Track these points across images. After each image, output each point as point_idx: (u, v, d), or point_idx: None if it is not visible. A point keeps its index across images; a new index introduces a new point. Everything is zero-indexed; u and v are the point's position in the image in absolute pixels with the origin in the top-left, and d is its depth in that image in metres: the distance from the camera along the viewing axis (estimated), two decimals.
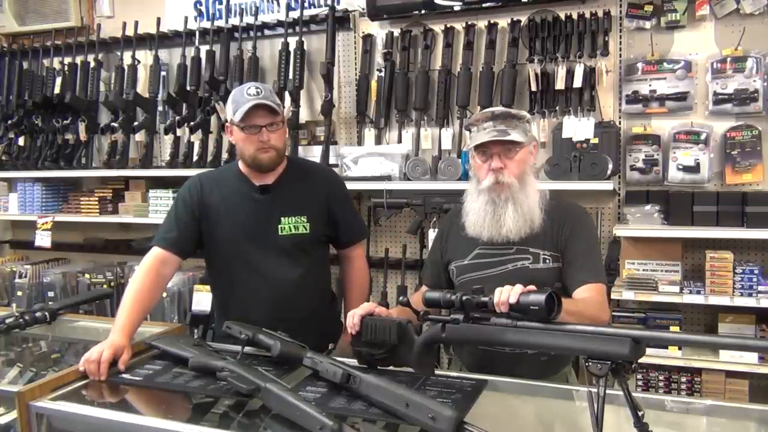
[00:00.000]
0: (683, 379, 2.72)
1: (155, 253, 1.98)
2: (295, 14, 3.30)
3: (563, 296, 1.34)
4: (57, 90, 3.77)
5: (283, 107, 3.19)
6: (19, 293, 3.77)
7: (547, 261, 1.73)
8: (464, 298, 1.35)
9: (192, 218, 2.03)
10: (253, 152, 1.97)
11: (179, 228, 2.01)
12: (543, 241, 1.74)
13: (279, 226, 2.00)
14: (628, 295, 2.66)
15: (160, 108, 3.68)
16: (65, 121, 3.78)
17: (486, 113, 1.76)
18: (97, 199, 3.73)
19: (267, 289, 2.01)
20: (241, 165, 2.07)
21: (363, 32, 3.31)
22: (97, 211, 3.72)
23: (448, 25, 3.10)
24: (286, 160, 2.09)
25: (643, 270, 2.75)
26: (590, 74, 2.84)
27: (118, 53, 3.69)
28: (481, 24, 3.05)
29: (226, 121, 2.02)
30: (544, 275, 1.70)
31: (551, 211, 1.77)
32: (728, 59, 2.72)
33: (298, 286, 2.02)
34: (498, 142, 1.70)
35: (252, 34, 3.41)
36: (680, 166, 2.79)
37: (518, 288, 1.33)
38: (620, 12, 2.88)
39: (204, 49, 3.48)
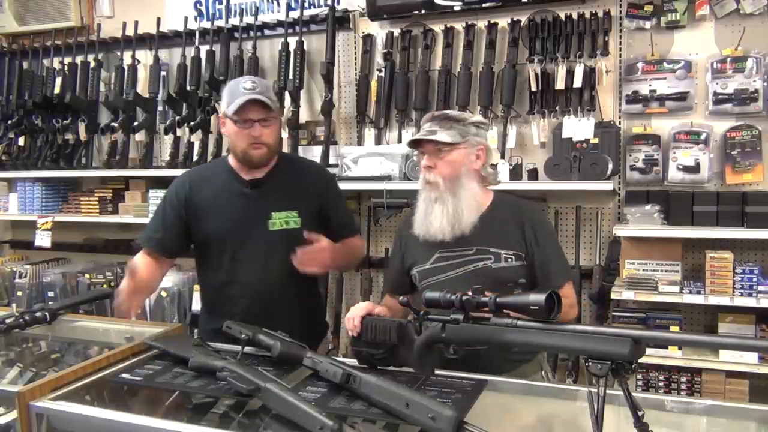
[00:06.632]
0: (683, 379, 2.72)
1: (144, 254, 2.03)
2: (295, 14, 3.30)
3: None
4: (57, 90, 3.78)
5: (281, 104, 3.24)
6: (19, 293, 3.78)
7: (509, 260, 1.75)
8: (464, 298, 1.35)
9: (178, 218, 2.04)
10: (245, 147, 1.96)
11: (165, 228, 2.03)
12: (504, 240, 1.77)
13: (269, 221, 2.00)
14: (628, 295, 2.66)
15: (160, 108, 3.69)
16: (65, 121, 3.79)
17: (429, 114, 1.84)
18: (97, 199, 3.73)
19: (257, 285, 2.00)
20: (231, 159, 2.07)
21: (363, 32, 3.31)
22: (97, 211, 3.72)
23: (448, 25, 3.11)
24: (277, 156, 2.08)
25: (643, 270, 2.75)
26: (590, 74, 2.84)
27: (118, 53, 3.69)
28: (481, 24, 3.05)
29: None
30: (508, 273, 1.74)
31: (507, 210, 1.82)
32: (728, 59, 2.72)
33: (287, 281, 2.01)
34: (430, 142, 1.76)
35: (252, 34, 3.41)
36: (680, 166, 2.79)
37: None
38: (620, 12, 2.88)
39: (204, 49, 3.48)
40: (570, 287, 1.81)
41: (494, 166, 1.96)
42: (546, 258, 1.77)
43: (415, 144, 1.83)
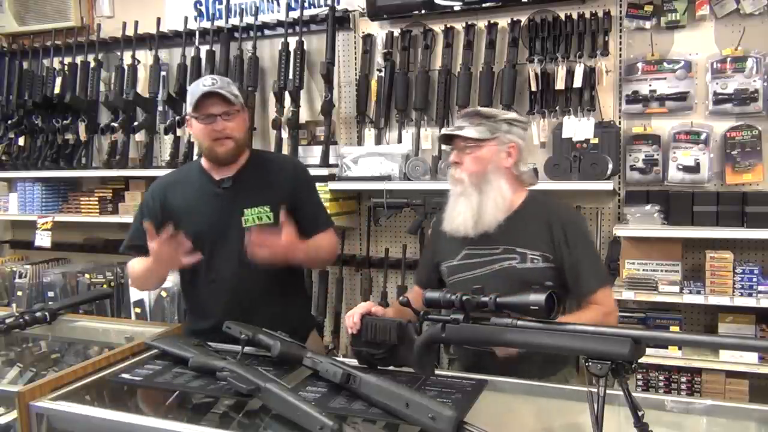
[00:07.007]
0: (683, 379, 2.72)
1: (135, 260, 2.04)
2: (295, 14, 3.30)
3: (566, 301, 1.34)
4: (57, 90, 3.78)
5: (281, 104, 3.23)
6: (19, 293, 3.78)
7: (536, 261, 1.73)
8: (464, 298, 1.35)
9: (155, 224, 2.03)
10: (210, 144, 1.96)
11: (143, 235, 1.97)
12: (531, 241, 1.75)
13: (243, 218, 1.99)
14: (628, 295, 2.66)
15: (160, 108, 3.68)
16: (65, 121, 3.78)
17: (462, 111, 1.86)
18: (97, 199, 3.73)
19: (235, 282, 1.99)
20: (203, 161, 2.08)
21: (363, 32, 3.31)
22: (97, 211, 3.73)
23: (448, 25, 3.10)
24: (248, 153, 2.08)
25: (643, 270, 2.75)
26: (590, 74, 2.84)
27: (118, 53, 3.69)
28: (481, 24, 3.04)
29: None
30: (534, 274, 1.70)
31: (537, 210, 1.79)
32: (728, 59, 2.71)
33: (265, 277, 1.99)
34: (459, 138, 1.77)
35: (252, 34, 3.40)
36: (680, 166, 2.79)
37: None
38: (620, 12, 2.88)
39: (204, 49, 3.48)
40: (605, 293, 1.74)
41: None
42: (576, 260, 1.72)
43: (446, 140, 1.84)
